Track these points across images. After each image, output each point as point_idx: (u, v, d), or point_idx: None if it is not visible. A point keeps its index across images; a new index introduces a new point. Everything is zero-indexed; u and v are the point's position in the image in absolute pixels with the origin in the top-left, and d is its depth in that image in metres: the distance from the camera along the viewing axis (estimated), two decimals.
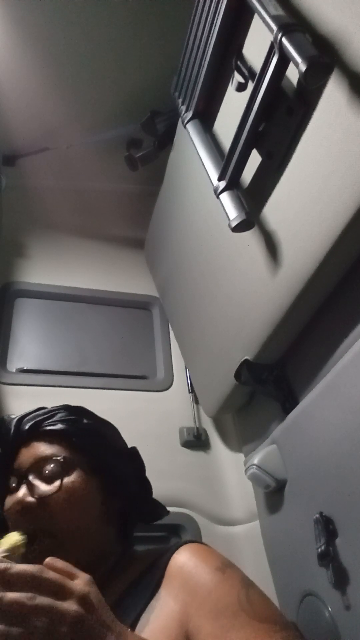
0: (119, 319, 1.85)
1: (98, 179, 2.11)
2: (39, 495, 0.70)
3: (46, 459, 0.74)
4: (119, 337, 1.79)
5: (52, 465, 0.73)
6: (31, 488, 0.71)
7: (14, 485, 0.74)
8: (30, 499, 0.70)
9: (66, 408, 0.83)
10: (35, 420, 0.79)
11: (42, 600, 0.44)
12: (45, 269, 1.88)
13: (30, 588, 0.44)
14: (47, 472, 0.73)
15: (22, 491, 0.71)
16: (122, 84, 1.77)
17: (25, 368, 1.58)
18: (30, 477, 0.73)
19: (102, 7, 1.53)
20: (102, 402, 1.59)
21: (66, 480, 0.72)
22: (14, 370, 1.57)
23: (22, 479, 0.73)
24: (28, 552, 0.67)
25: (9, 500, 0.73)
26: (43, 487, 0.72)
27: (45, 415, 0.80)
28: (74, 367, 1.64)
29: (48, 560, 0.50)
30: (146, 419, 1.56)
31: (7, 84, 1.69)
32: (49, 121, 1.84)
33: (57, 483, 0.72)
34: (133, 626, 0.60)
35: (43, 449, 0.76)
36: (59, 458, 0.74)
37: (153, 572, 0.67)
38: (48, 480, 0.73)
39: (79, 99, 1.80)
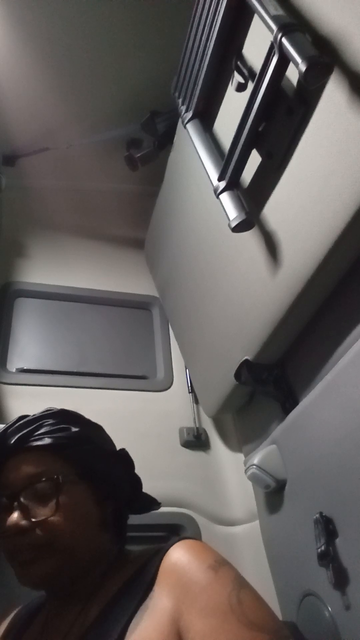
0: (119, 319, 1.85)
1: (98, 179, 2.11)
2: (35, 519, 0.68)
3: (38, 478, 0.70)
4: (119, 337, 1.79)
5: (45, 485, 0.70)
6: (25, 510, 0.68)
7: (4, 504, 0.71)
8: (24, 522, 0.67)
9: (51, 415, 0.78)
10: (21, 433, 0.74)
11: None
12: (45, 269, 1.88)
13: None
14: (40, 491, 0.70)
15: (16, 514, 0.68)
16: (122, 84, 1.77)
17: (25, 368, 1.58)
18: (22, 498, 0.69)
19: (102, 7, 1.53)
20: (102, 402, 1.60)
21: (61, 499, 0.70)
22: (14, 370, 1.57)
23: (14, 499, 0.69)
24: (26, 563, 0.67)
25: (1, 521, 0.70)
26: (38, 509, 0.69)
27: (31, 428, 0.75)
28: (74, 367, 1.64)
29: None
30: (146, 419, 1.56)
31: (7, 84, 1.69)
32: (49, 121, 1.84)
33: (52, 504, 0.69)
34: (127, 624, 0.60)
35: (33, 466, 0.72)
36: (52, 477, 0.70)
37: (147, 570, 0.66)
38: (42, 500, 0.69)
39: (79, 99, 1.80)
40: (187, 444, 1.54)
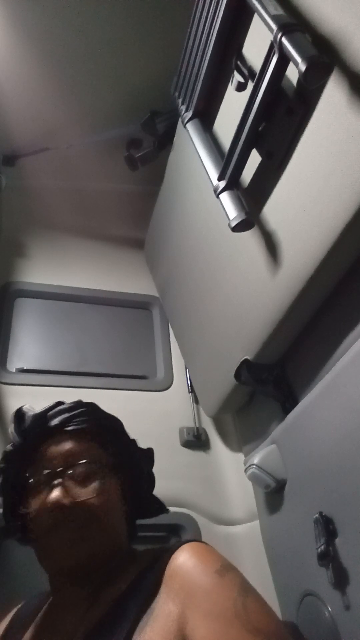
0: (119, 319, 1.85)
1: (98, 179, 2.11)
2: (76, 499, 0.70)
3: (80, 458, 0.74)
4: (119, 337, 1.79)
5: (86, 467, 0.73)
6: (66, 489, 0.71)
7: (40, 481, 0.73)
8: (66, 501, 0.69)
9: (86, 405, 0.83)
10: (63, 416, 0.78)
11: None
12: (45, 269, 1.88)
13: None
14: (79, 472, 0.73)
15: (58, 492, 0.70)
16: (122, 84, 1.77)
17: (25, 368, 1.58)
18: (64, 477, 0.72)
19: (102, 7, 1.53)
20: (102, 402, 1.57)
21: (99, 484, 0.73)
22: (14, 370, 1.57)
23: (54, 477, 0.72)
24: (64, 533, 0.68)
25: (41, 499, 0.71)
26: (78, 489, 0.72)
27: (72, 413, 0.79)
28: (74, 367, 1.64)
29: None
30: (146, 419, 1.55)
31: (7, 84, 1.69)
32: (49, 121, 1.84)
33: (92, 486, 0.72)
34: (132, 628, 0.59)
35: (75, 447, 0.75)
36: (94, 459, 0.74)
37: (153, 572, 0.66)
38: (81, 481, 0.72)
39: (79, 99, 1.80)
40: (187, 444, 1.54)
